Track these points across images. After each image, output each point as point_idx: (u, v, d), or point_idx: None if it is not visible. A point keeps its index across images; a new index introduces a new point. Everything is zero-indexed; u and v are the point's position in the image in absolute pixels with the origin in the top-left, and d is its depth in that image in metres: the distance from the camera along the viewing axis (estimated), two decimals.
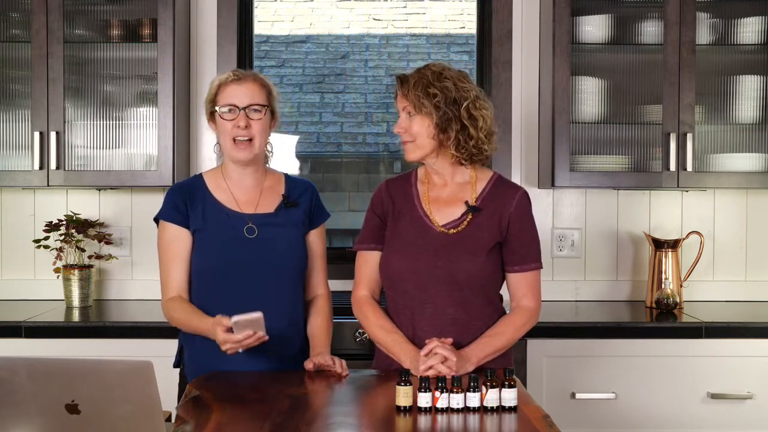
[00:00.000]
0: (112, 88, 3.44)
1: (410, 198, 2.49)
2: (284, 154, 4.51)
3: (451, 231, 2.42)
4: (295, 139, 5.39)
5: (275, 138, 2.64)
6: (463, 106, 2.37)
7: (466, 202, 2.44)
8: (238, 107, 2.46)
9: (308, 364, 2.37)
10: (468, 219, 2.43)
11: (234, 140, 2.47)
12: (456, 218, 2.44)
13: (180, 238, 2.50)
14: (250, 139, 2.48)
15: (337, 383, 2.29)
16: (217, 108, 2.49)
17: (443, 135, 2.39)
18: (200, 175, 2.60)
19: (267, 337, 2.25)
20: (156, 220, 2.55)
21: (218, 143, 2.58)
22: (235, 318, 2.21)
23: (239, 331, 2.22)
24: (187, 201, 2.51)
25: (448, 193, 2.47)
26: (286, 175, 2.66)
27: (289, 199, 2.57)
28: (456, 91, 2.38)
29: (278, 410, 2.03)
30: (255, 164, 2.54)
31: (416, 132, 2.40)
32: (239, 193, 2.54)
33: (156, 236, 2.56)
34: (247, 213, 2.52)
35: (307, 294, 2.62)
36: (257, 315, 2.20)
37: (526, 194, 2.48)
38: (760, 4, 3.44)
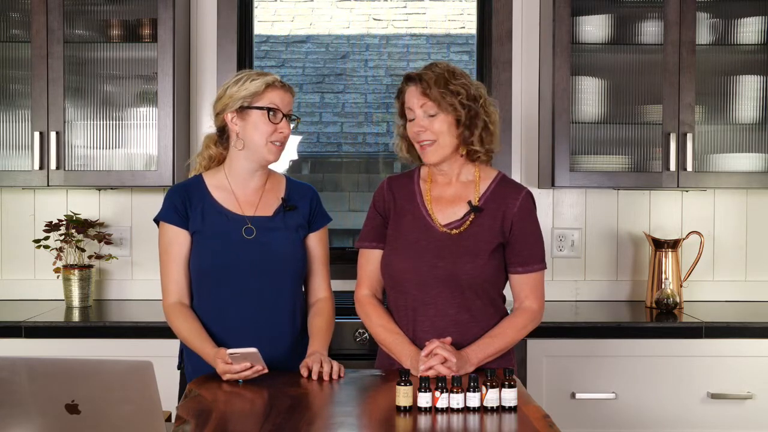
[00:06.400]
0: (112, 88, 3.44)
1: (413, 196, 2.48)
2: (286, 154, 4.51)
3: (454, 231, 2.41)
4: (297, 139, 5.38)
5: None
6: (480, 102, 2.39)
7: (469, 202, 2.43)
8: (282, 113, 2.48)
9: (303, 371, 2.34)
10: (470, 219, 2.42)
11: (271, 142, 2.47)
12: (458, 218, 2.43)
13: (179, 239, 2.49)
14: (284, 142, 2.51)
15: (338, 383, 2.29)
16: (257, 105, 2.45)
17: (468, 132, 2.37)
18: (200, 175, 2.58)
19: (266, 370, 2.27)
20: (156, 221, 2.55)
21: (231, 139, 2.51)
22: (230, 351, 2.24)
23: (236, 362, 2.25)
24: (186, 202, 2.50)
25: (451, 193, 2.46)
26: (288, 178, 2.64)
27: (289, 203, 2.56)
28: (473, 87, 2.39)
29: (278, 410, 2.03)
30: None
31: (438, 131, 2.36)
32: (241, 193, 2.53)
33: (156, 236, 2.56)
34: (247, 215, 2.51)
35: (310, 298, 2.61)
36: (253, 350, 2.23)
37: (530, 195, 2.46)
38: (760, 4, 3.44)
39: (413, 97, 2.39)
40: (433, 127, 2.36)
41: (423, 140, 2.38)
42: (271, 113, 2.46)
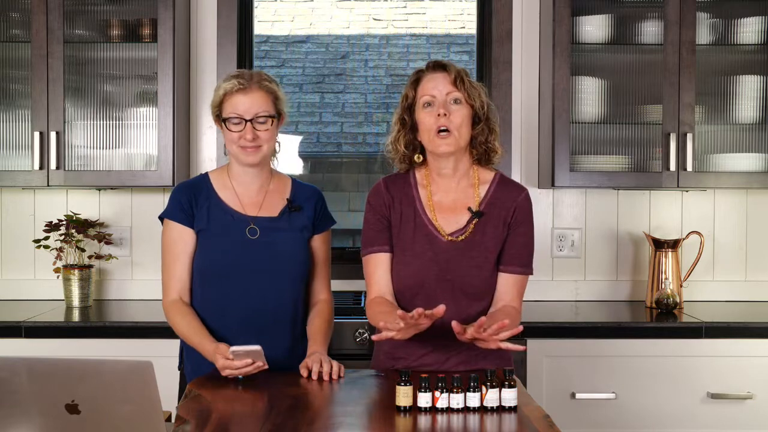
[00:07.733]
0: (112, 88, 3.44)
1: (412, 202, 2.43)
2: (288, 155, 4.51)
3: (460, 239, 2.37)
4: (298, 139, 5.39)
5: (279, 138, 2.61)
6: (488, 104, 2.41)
7: (469, 208, 2.40)
8: (244, 119, 2.44)
9: (303, 371, 2.34)
10: (473, 225, 2.38)
11: (240, 146, 2.46)
12: (462, 226, 2.39)
13: (183, 237, 2.50)
14: (259, 145, 2.47)
15: (338, 383, 2.29)
16: (222, 116, 2.48)
17: (488, 130, 2.37)
18: (206, 174, 2.59)
19: (266, 366, 2.27)
20: (161, 218, 2.55)
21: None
22: (234, 348, 2.24)
23: (238, 359, 2.24)
24: (192, 201, 2.50)
25: (452, 198, 2.42)
26: (294, 180, 2.64)
27: (294, 204, 2.56)
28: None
29: (278, 410, 2.03)
30: (262, 165, 2.53)
31: (459, 121, 2.33)
32: (244, 194, 2.53)
33: (158, 235, 2.56)
34: (250, 215, 2.51)
35: (310, 300, 2.61)
36: (257, 348, 2.22)
37: (528, 196, 2.44)
38: (760, 4, 3.44)
39: (440, 84, 2.35)
40: (455, 115, 2.33)
41: (442, 125, 2.33)
42: (231, 123, 2.46)
